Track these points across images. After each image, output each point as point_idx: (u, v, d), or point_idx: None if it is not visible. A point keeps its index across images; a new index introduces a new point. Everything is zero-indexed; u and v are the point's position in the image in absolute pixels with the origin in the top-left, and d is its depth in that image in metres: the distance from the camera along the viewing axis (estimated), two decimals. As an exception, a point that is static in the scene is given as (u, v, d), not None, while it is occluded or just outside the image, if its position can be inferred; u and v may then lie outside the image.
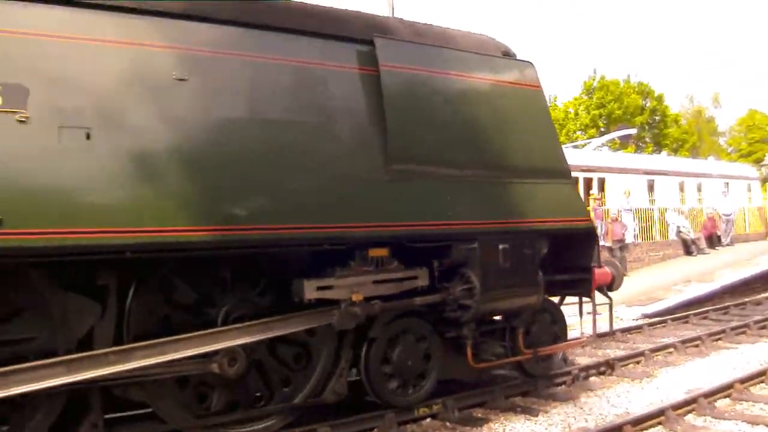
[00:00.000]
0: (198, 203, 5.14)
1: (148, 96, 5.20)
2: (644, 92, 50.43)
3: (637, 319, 13.47)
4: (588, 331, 9.59)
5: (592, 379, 8.20)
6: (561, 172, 7.32)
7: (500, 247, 6.60)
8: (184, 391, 5.71)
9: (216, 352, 5.49)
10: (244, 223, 5.26)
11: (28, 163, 4.69)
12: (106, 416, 5.48)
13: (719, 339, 10.58)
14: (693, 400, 6.96)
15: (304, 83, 5.86)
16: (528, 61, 7.28)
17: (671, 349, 9.72)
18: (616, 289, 8.06)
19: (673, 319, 12.73)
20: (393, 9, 14.64)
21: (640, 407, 6.98)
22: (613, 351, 9.87)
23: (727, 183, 30.16)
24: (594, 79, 50.00)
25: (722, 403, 7.19)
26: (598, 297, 8.06)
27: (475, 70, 6.80)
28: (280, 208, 5.48)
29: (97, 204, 4.85)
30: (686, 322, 12.52)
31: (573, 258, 7.54)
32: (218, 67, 5.53)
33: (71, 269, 5.13)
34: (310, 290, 5.77)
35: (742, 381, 7.62)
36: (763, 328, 11.31)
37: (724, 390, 7.39)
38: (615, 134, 34.26)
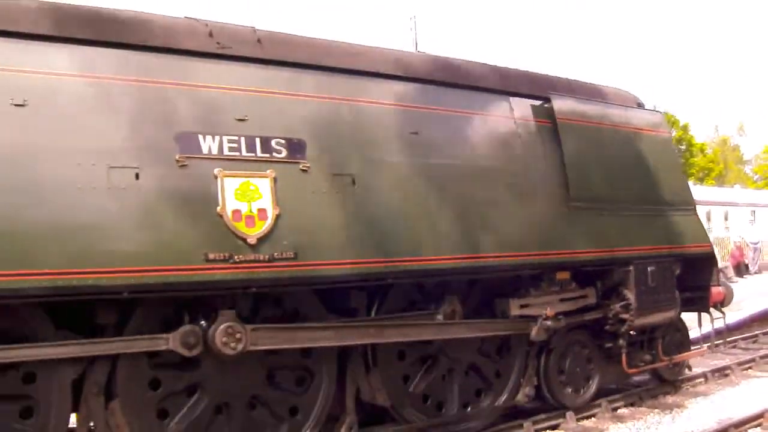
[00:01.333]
0: (453, 235, 6.10)
1: (393, 146, 6.15)
2: (670, 122, 51.71)
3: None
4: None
5: (621, 410, 8.03)
6: (689, 203, 8.29)
7: (649, 269, 7.56)
8: (414, 393, 6.60)
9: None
10: (483, 251, 6.22)
11: (312, 205, 5.62)
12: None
13: (749, 368, 10.31)
14: (724, 430, 7.00)
15: (503, 135, 6.83)
16: (659, 111, 8.29)
17: (701, 379, 9.45)
18: (727, 305, 8.94)
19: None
20: (416, 44, 15.01)
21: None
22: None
23: (754, 211, 30.71)
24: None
25: (753, 432, 7.27)
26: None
27: (624, 120, 7.81)
28: (499, 239, 6.41)
29: (361, 235, 5.77)
30: (715, 351, 11.79)
31: (693, 278, 8.42)
32: (441, 122, 6.49)
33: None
34: (514, 308, 6.71)
35: None
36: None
37: (755, 419, 7.33)
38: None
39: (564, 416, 7.27)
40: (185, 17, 5.83)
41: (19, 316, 4.95)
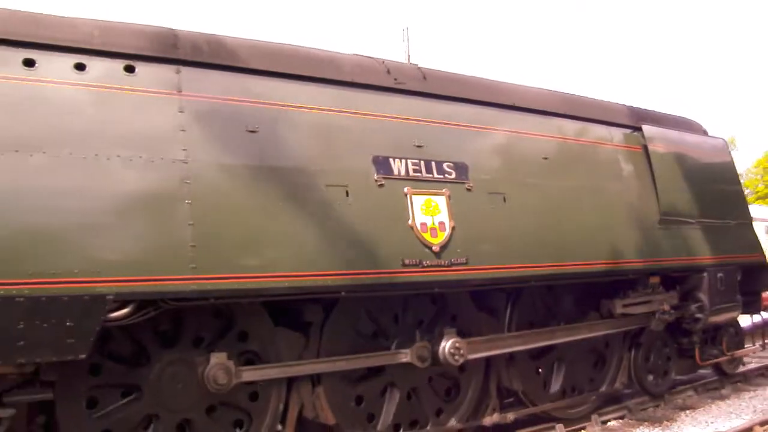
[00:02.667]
0: (577, 245, 7.03)
1: (530, 169, 7.07)
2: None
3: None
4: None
5: (610, 424, 8.04)
6: (746, 217, 9.36)
7: (718, 275, 8.57)
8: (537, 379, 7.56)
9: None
10: (604, 258, 7.20)
11: (476, 219, 6.50)
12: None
13: (738, 381, 10.05)
14: None
15: (607, 159, 7.82)
16: (722, 138, 9.37)
17: (691, 392, 9.34)
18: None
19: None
20: (409, 56, 15.95)
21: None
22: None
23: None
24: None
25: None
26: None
27: (696, 145, 8.85)
28: (613, 248, 7.37)
29: (512, 244, 6.66)
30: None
31: (748, 284, 9.45)
32: (563, 149, 7.43)
33: None
34: (618, 307, 7.67)
35: (762, 423, 7.50)
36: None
37: None
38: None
39: (554, 428, 7.38)
40: (366, 56, 6.65)
41: (247, 316, 5.75)
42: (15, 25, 5.00)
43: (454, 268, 6.25)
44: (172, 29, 5.63)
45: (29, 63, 4.93)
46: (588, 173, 7.56)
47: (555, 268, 6.93)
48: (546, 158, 7.24)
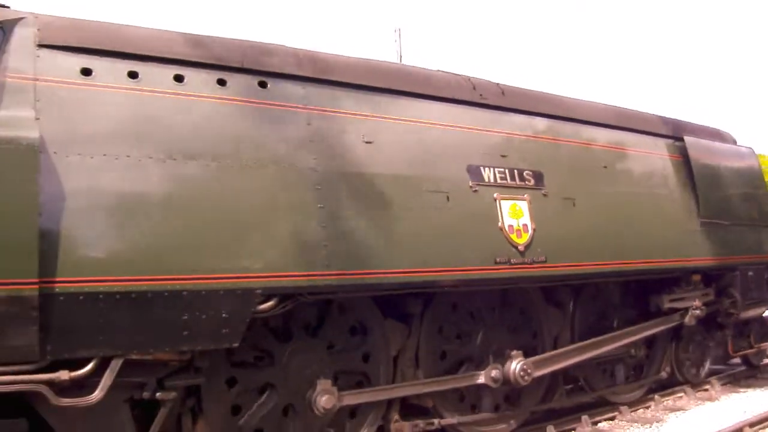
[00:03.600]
0: (634, 244, 7.66)
1: (594, 176, 7.65)
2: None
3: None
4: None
5: (601, 425, 8.04)
6: (769, 219, 10.09)
7: (749, 273, 9.23)
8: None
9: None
10: (658, 257, 7.83)
11: (551, 222, 7.04)
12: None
13: (728, 383, 10.07)
14: None
15: (654, 166, 8.43)
16: (750, 147, 10.04)
17: (681, 394, 9.22)
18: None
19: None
20: (401, 56, 15.88)
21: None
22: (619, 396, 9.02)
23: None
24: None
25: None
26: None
27: (730, 153, 9.51)
28: (664, 248, 8.00)
29: (580, 244, 7.23)
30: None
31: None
32: (620, 158, 8.01)
33: None
34: (666, 302, 8.28)
35: (751, 425, 7.52)
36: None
37: None
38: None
39: (544, 429, 7.43)
40: (452, 73, 7.17)
41: (363, 309, 6.27)
42: (167, 44, 5.46)
43: (535, 265, 6.80)
44: (295, 49, 6.11)
45: (179, 78, 5.40)
46: (639, 180, 8.17)
47: (616, 265, 7.53)
48: (605, 167, 7.83)
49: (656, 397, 8.83)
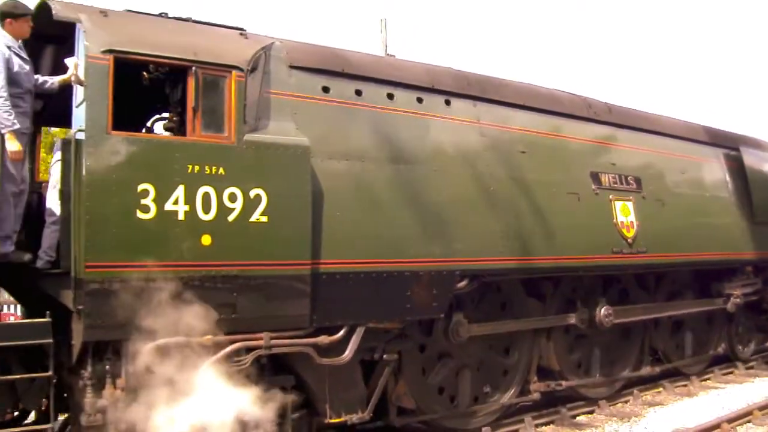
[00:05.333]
0: (707, 239, 8.88)
1: (675, 181, 8.81)
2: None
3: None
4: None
5: (579, 418, 7.96)
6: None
7: (789, 266, 10.54)
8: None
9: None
10: (724, 251, 9.05)
11: (648, 219, 8.17)
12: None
13: (708, 379, 9.96)
14: None
15: (717, 174, 9.63)
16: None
17: (659, 389, 9.20)
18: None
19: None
20: (386, 47, 16.14)
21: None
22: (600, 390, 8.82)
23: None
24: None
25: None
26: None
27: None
28: (725, 243, 9.22)
29: (670, 238, 8.40)
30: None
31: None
32: (692, 165, 9.19)
33: None
34: (726, 288, 9.58)
35: (729, 420, 7.46)
36: (750, 368, 10.72)
37: (712, 429, 7.23)
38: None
39: (522, 421, 7.44)
40: (569, 92, 8.21)
41: (512, 288, 7.30)
42: (379, 67, 6.40)
43: (639, 255, 7.97)
44: (464, 71, 7.08)
45: (390, 96, 6.33)
46: (707, 185, 9.41)
47: (694, 257, 8.76)
48: (683, 173, 9.00)
49: (635, 391, 8.82)
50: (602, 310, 7.87)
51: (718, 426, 7.23)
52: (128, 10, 5.46)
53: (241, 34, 5.78)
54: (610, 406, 8.34)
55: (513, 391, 7.47)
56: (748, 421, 7.61)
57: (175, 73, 5.29)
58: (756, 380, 9.87)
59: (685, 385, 9.46)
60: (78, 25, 5.05)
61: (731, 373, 10.30)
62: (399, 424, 6.64)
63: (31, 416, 5.61)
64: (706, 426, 7.19)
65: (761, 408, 7.86)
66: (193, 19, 5.80)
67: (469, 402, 7.12)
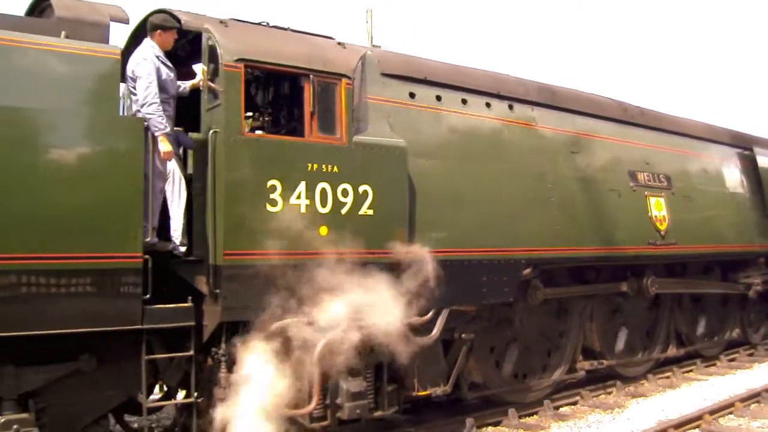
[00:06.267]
0: (729, 231, 9.61)
1: (698, 179, 9.50)
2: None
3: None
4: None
5: (562, 409, 7.96)
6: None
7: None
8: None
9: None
10: (741, 243, 9.81)
11: (678, 213, 8.87)
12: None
13: (690, 371, 10.01)
14: (663, 431, 6.85)
15: (734, 172, 10.37)
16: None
17: (642, 380, 9.25)
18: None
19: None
20: (372, 38, 16.57)
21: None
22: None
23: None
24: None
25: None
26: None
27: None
28: (742, 236, 9.97)
29: (698, 229, 9.12)
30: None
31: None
32: (712, 164, 9.91)
33: None
34: (741, 278, 10.35)
35: (711, 412, 7.45)
36: (733, 360, 10.78)
37: (693, 421, 7.19)
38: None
39: (506, 413, 7.40)
40: (608, 97, 8.85)
41: (560, 274, 7.95)
42: (455, 75, 6.95)
43: (671, 246, 8.68)
44: (523, 79, 7.67)
45: (464, 101, 6.89)
46: (724, 182, 10.15)
47: (717, 248, 9.55)
48: (705, 171, 9.71)
49: (618, 383, 8.86)
50: (649, 279, 8.74)
51: (700, 417, 7.31)
52: (234, 19, 5.93)
53: (339, 43, 6.30)
54: (593, 397, 8.45)
55: (562, 369, 8.16)
56: (730, 413, 7.68)
57: (292, 79, 5.82)
58: (738, 372, 10.06)
59: (668, 377, 9.56)
60: (205, 35, 5.54)
61: (713, 365, 10.44)
62: (470, 397, 7.28)
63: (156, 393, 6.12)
64: (688, 417, 7.27)
65: (743, 400, 7.99)
66: (291, 28, 6.31)
67: (526, 378, 7.83)
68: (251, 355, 5.38)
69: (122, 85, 5.42)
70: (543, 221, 7.18)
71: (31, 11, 5.80)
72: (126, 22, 5.38)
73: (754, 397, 8.16)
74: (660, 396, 8.69)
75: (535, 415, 7.71)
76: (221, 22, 5.70)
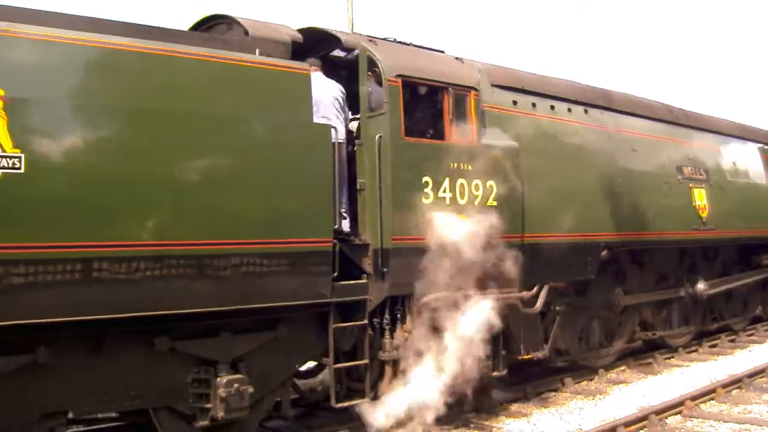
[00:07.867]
0: (755, 220, 10.89)
1: (727, 170, 10.71)
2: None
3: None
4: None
5: (544, 395, 8.08)
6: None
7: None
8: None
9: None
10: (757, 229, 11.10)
11: (711, 201, 10.02)
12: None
13: (671, 357, 10.12)
14: (644, 417, 6.87)
15: (755, 165, 11.59)
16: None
17: (623, 367, 9.40)
18: None
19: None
20: (353, 24, 16.93)
21: (592, 424, 6.94)
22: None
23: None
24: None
25: (673, 420, 7.10)
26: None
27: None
28: (760, 222, 11.21)
29: (729, 216, 10.30)
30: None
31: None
32: (740, 158, 11.12)
33: None
34: (764, 260, 11.58)
35: (693, 398, 7.51)
36: (714, 346, 10.99)
37: (675, 407, 7.26)
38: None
39: (490, 401, 7.57)
40: (655, 100, 9.97)
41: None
42: (544, 84, 8.00)
43: (711, 232, 9.91)
44: (591, 86, 8.76)
45: (552, 107, 7.95)
46: (749, 174, 11.43)
47: (746, 233, 10.86)
48: (734, 165, 10.95)
49: (600, 370, 9.00)
50: (701, 285, 10.04)
51: (681, 403, 7.36)
52: (372, 38, 6.88)
53: (456, 58, 7.32)
54: (575, 383, 8.59)
55: (624, 338, 9.36)
56: (712, 399, 7.74)
57: (434, 91, 6.78)
58: (719, 358, 10.22)
59: (649, 363, 9.62)
60: (362, 52, 6.50)
61: (695, 351, 10.60)
62: (558, 363, 8.46)
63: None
64: (670, 403, 7.33)
65: (724, 386, 8.08)
66: (413, 44, 7.30)
67: (597, 346, 9.04)
68: (407, 323, 6.43)
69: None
70: (613, 210, 8.34)
71: (199, 26, 6.69)
72: (300, 41, 6.28)
73: (735, 383, 8.30)
74: (641, 382, 8.78)
75: (517, 402, 7.83)
76: (370, 39, 6.67)
